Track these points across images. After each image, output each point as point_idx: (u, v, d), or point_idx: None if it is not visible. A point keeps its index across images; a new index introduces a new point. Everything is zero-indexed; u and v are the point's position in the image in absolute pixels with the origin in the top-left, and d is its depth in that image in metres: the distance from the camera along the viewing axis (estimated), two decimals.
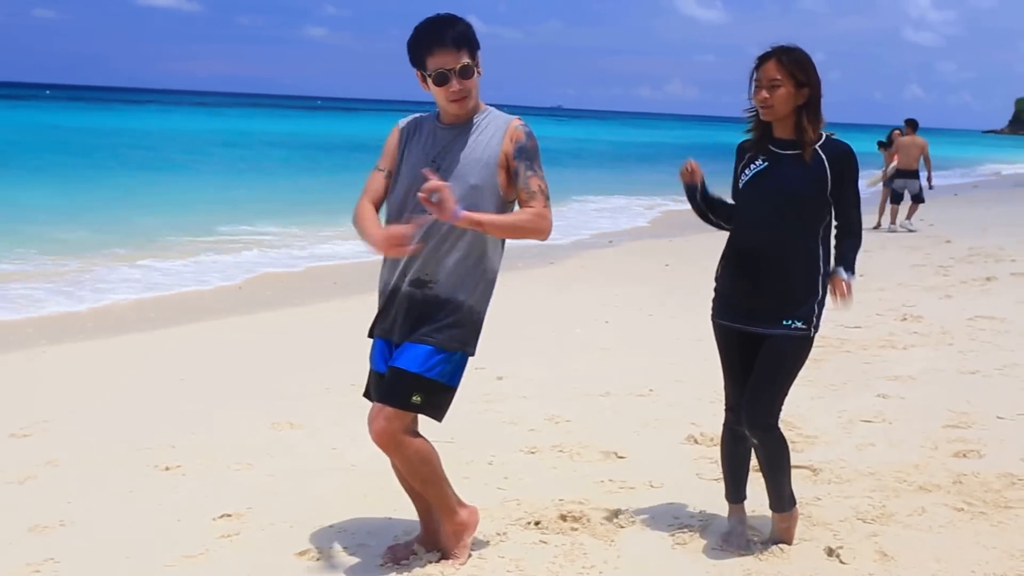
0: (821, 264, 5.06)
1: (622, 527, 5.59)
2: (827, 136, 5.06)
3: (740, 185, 5.13)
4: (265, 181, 34.65)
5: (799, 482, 5.93)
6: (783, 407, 5.18)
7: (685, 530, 5.54)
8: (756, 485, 5.45)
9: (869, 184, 23.41)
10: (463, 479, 5.98)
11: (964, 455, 6.81)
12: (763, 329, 5.05)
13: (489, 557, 5.16)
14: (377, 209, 4.90)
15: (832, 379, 8.75)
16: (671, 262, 17.39)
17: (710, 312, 5.32)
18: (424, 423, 4.92)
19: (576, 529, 5.53)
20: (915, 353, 10.08)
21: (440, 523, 5.16)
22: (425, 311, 4.76)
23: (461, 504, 5.10)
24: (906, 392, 8.49)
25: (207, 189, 29.91)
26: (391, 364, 4.79)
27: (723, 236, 5.34)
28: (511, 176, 4.80)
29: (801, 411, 7.50)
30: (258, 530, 5.53)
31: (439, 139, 4.82)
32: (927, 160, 23.29)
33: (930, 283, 14.98)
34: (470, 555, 5.13)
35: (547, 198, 4.81)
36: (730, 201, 5.32)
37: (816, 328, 5.12)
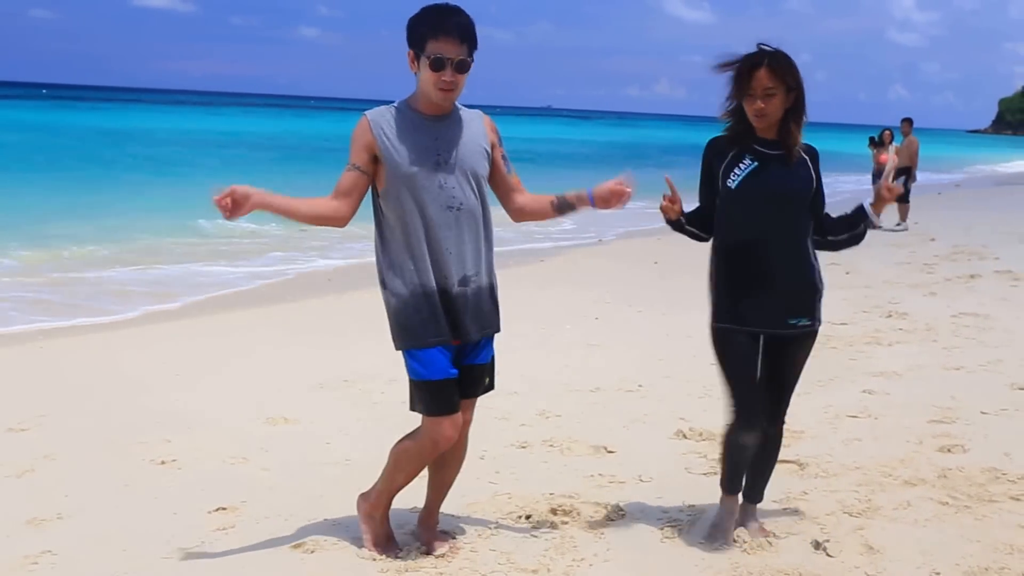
0: (814, 260, 5.15)
1: (612, 521, 5.67)
2: None
3: (731, 185, 5.06)
4: (260, 179, 34.58)
5: (787, 476, 6.03)
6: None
7: (674, 524, 5.62)
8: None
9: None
10: None
11: (949, 450, 6.89)
12: (774, 329, 5.14)
13: (480, 550, 5.23)
14: (355, 206, 4.93)
15: (818, 375, 8.81)
16: (660, 260, 17.44)
17: (713, 319, 5.23)
18: (414, 424, 5.01)
19: (566, 522, 5.61)
20: (900, 349, 10.18)
21: (434, 516, 5.31)
22: (480, 305, 4.92)
23: None
24: (891, 388, 8.58)
25: (201, 187, 29.84)
26: (471, 363, 4.96)
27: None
28: (495, 163, 5.03)
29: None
30: (253, 523, 5.59)
31: (430, 131, 4.84)
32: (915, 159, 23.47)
33: (915, 280, 15.08)
34: (459, 547, 5.22)
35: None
36: (697, 209, 5.32)
37: (820, 322, 5.23)
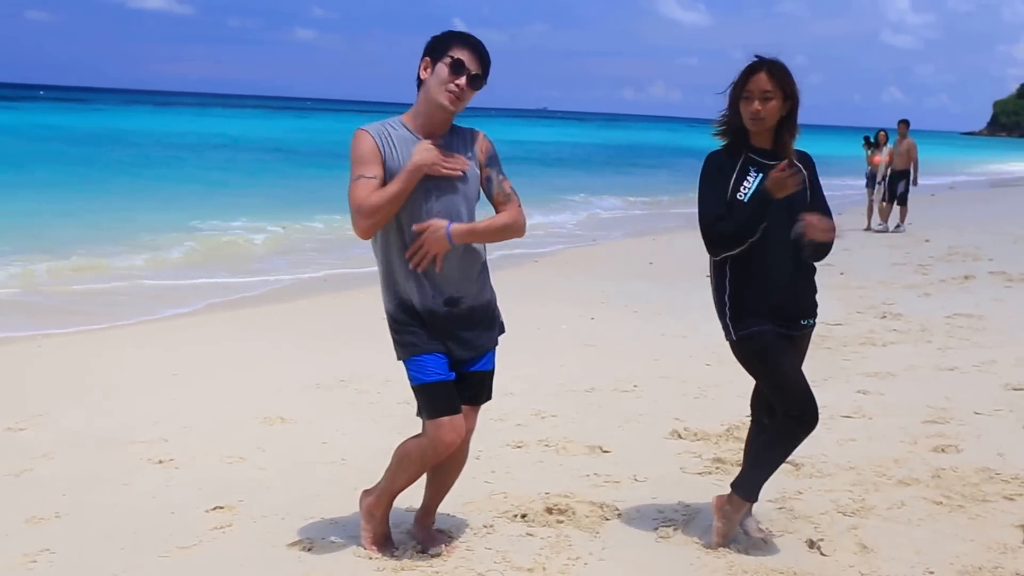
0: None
1: (607, 520, 5.70)
2: None
3: (744, 199, 5.00)
4: (257, 179, 34.77)
5: (782, 476, 6.04)
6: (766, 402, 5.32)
7: (669, 523, 5.64)
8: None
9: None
10: None
11: (943, 450, 6.93)
12: (791, 332, 5.17)
13: (476, 549, 5.25)
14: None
15: (813, 375, 8.70)
16: (655, 260, 17.49)
17: (737, 331, 5.13)
18: (409, 423, 5.03)
19: (562, 522, 5.63)
20: (895, 350, 10.21)
21: (431, 517, 5.36)
22: (472, 324, 4.94)
23: None
24: (886, 388, 8.61)
25: (198, 187, 29.99)
26: (472, 369, 4.98)
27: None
28: (483, 183, 4.99)
29: None
30: (250, 522, 5.61)
31: None
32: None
33: (909, 281, 15.13)
34: (456, 546, 5.25)
35: (518, 197, 5.04)
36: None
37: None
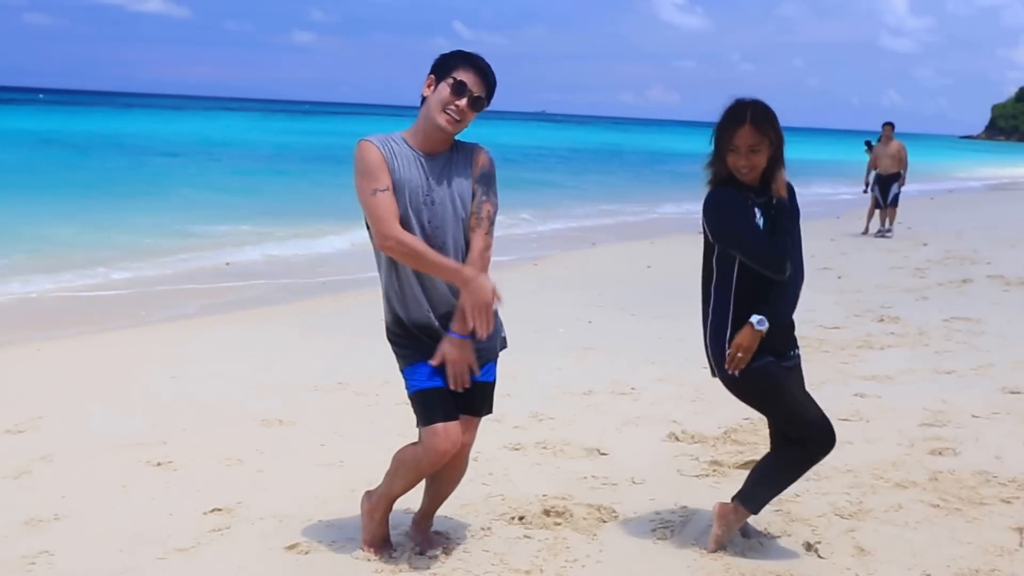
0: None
1: (604, 522, 5.71)
2: None
3: None
4: (254, 181, 34.83)
5: None
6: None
7: (666, 525, 5.65)
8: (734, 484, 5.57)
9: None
10: None
11: (940, 453, 6.94)
12: (786, 362, 5.20)
13: (474, 551, 5.26)
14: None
15: (811, 379, 8.73)
16: (653, 264, 17.50)
17: (752, 361, 5.07)
18: (408, 425, 5.04)
19: (559, 524, 5.64)
20: (892, 353, 10.22)
21: (428, 520, 5.37)
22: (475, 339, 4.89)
23: None
24: (883, 391, 8.62)
25: (195, 191, 30.03)
26: (473, 381, 4.92)
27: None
28: (473, 199, 4.97)
29: None
30: (248, 524, 5.63)
31: (423, 170, 4.84)
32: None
33: (907, 285, 15.13)
34: (453, 548, 5.26)
35: (492, 224, 4.98)
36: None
37: None
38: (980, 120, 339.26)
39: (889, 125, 23.25)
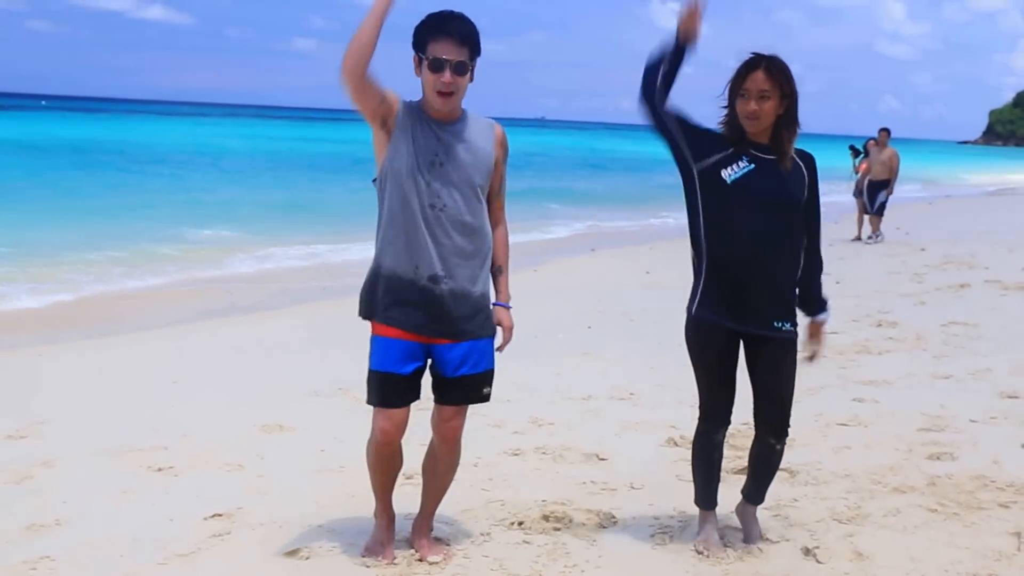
0: (800, 268, 5.21)
1: (604, 527, 5.73)
2: None
3: (727, 179, 5.04)
4: (254, 188, 34.92)
5: (777, 484, 6.06)
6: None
7: (666, 530, 5.68)
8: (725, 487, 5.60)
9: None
10: None
11: (938, 457, 6.95)
12: (756, 330, 5.16)
13: (473, 556, 5.28)
14: (365, 86, 4.74)
15: (809, 383, 8.85)
16: (652, 269, 17.53)
17: (691, 309, 5.25)
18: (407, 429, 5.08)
19: (559, 529, 5.66)
20: (890, 358, 10.24)
21: (428, 523, 5.41)
22: (454, 308, 4.95)
23: None
24: (881, 396, 8.64)
25: (194, 197, 30.14)
26: (458, 373, 5.01)
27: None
28: (492, 178, 5.07)
29: None
30: (248, 530, 5.64)
31: (435, 132, 4.88)
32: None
33: (905, 290, 15.14)
34: (453, 554, 5.29)
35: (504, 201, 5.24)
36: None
37: (797, 328, 5.29)
38: (977, 125, 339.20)
39: (885, 131, 23.12)
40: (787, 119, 5.08)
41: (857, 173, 23.83)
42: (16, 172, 35.50)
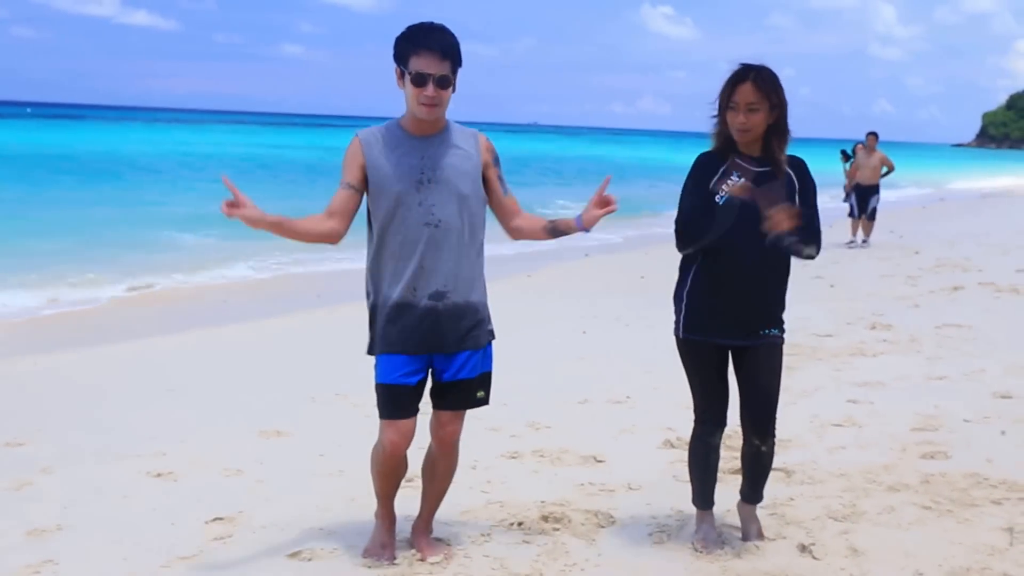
0: (789, 273, 5.31)
1: (602, 527, 5.78)
2: None
3: (719, 201, 5.11)
4: (254, 196, 34.91)
5: (773, 484, 6.12)
6: None
7: (664, 529, 5.74)
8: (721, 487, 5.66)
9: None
10: None
11: (932, 456, 7.01)
12: (745, 342, 5.26)
13: (474, 556, 5.33)
14: (348, 223, 5.04)
15: (804, 385, 8.94)
16: (646, 274, 17.58)
17: (678, 334, 5.40)
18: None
19: (558, 529, 5.71)
20: (885, 360, 10.30)
21: (428, 525, 5.49)
22: (456, 320, 5.03)
23: None
24: (876, 397, 8.70)
25: (184, 204, 30.16)
26: (455, 378, 5.09)
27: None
28: (489, 182, 5.15)
29: None
30: (250, 532, 5.70)
31: (417, 150, 4.97)
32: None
33: (899, 293, 15.20)
34: (454, 555, 5.34)
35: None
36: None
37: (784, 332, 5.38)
38: (971, 128, 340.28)
39: (873, 135, 23.12)
40: (777, 129, 5.15)
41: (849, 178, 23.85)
42: (2, 180, 35.55)
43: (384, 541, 5.33)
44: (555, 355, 10.71)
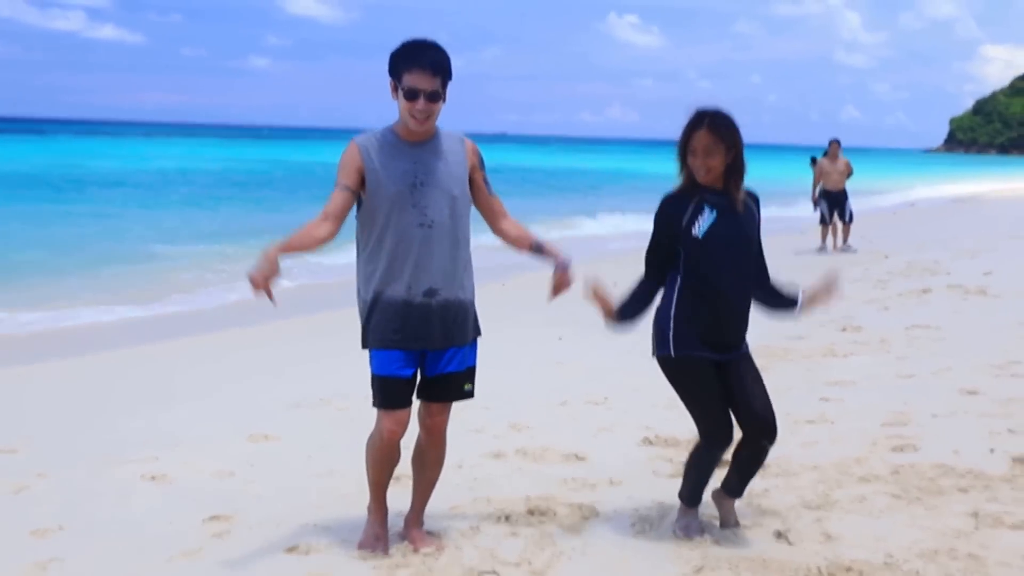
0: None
1: (586, 519, 6.01)
2: None
3: (698, 235, 5.42)
4: (227, 207, 35.13)
5: None
6: None
7: (646, 519, 5.96)
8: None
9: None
10: None
11: (901, 449, 7.25)
12: (728, 356, 5.58)
13: (465, 547, 5.55)
14: (341, 224, 5.27)
15: (777, 385, 9.06)
16: (619, 281, 17.72)
17: (670, 352, 5.60)
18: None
19: (544, 522, 5.93)
20: (855, 360, 10.55)
21: (420, 517, 5.71)
22: (448, 316, 5.33)
23: None
24: (847, 395, 8.94)
25: (158, 217, 30.29)
26: (443, 372, 5.39)
27: None
28: (475, 184, 5.45)
29: None
30: (247, 529, 5.89)
31: (410, 155, 5.24)
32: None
33: (869, 296, 15.44)
34: (445, 546, 5.56)
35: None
36: (641, 286, 5.91)
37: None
38: (939, 133, 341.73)
39: (836, 142, 23.45)
40: (734, 168, 5.47)
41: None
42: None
43: (378, 533, 5.54)
44: (533, 360, 10.91)
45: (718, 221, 5.43)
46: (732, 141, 5.40)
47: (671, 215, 5.51)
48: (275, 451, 7.59)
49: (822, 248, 23.11)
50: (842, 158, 23.38)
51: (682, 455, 7.21)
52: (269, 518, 6.06)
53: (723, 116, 5.43)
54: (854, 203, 23.73)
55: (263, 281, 4.94)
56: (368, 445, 5.51)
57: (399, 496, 5.80)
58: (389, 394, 5.31)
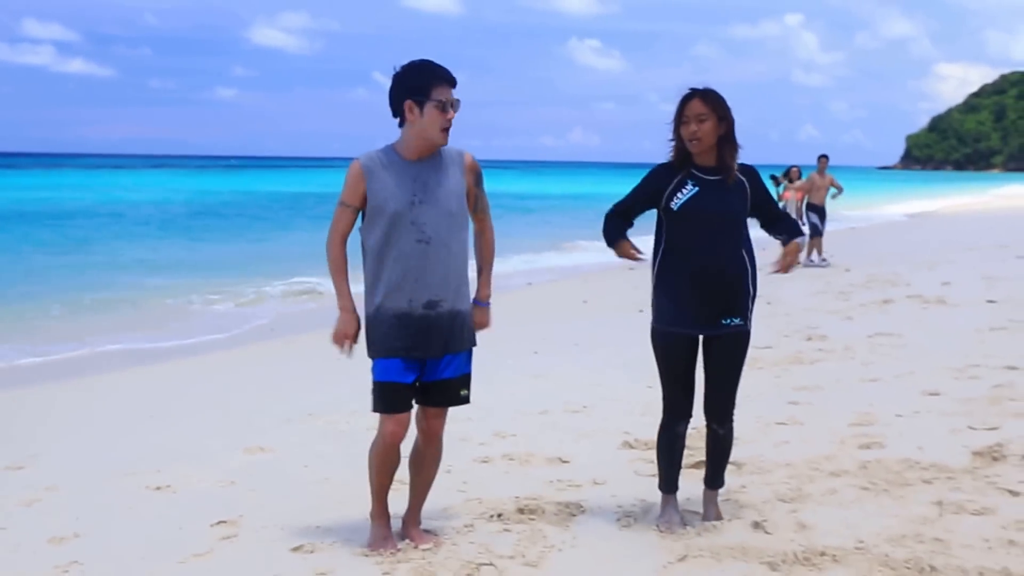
0: (749, 266, 5.94)
1: (574, 515, 6.34)
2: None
3: (674, 207, 5.78)
4: (207, 236, 35.33)
5: (725, 475, 6.70)
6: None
7: (630, 515, 6.32)
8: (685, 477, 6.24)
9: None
10: None
11: (868, 446, 7.62)
12: (706, 331, 5.91)
13: (461, 543, 5.87)
14: (344, 240, 5.67)
15: (747, 391, 9.31)
16: (588, 299, 18.11)
17: (654, 321, 6.01)
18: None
19: (534, 519, 6.26)
20: (821, 367, 10.92)
21: (417, 516, 6.03)
22: (447, 326, 5.64)
23: None
24: (815, 399, 9.32)
25: (137, 247, 30.53)
26: (440, 378, 5.70)
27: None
28: (468, 198, 5.77)
29: None
30: (253, 532, 6.19)
31: (410, 174, 5.55)
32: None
33: (832, 307, 15.87)
34: (442, 543, 5.89)
35: (488, 212, 5.97)
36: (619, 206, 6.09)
37: (751, 321, 6.03)
38: (896, 150, 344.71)
39: (824, 157, 24.27)
40: (727, 140, 5.83)
41: (781, 200, 24.53)
42: None
43: (385, 534, 5.86)
44: (511, 375, 11.22)
45: (698, 195, 5.79)
46: (723, 112, 5.77)
47: (658, 180, 5.91)
48: (271, 462, 7.88)
49: (823, 260, 23.62)
50: (828, 175, 24.19)
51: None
52: (273, 521, 6.35)
53: (715, 91, 5.82)
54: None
55: (354, 336, 5.59)
56: (371, 451, 5.81)
57: (395, 501, 6.09)
58: (391, 399, 5.62)
